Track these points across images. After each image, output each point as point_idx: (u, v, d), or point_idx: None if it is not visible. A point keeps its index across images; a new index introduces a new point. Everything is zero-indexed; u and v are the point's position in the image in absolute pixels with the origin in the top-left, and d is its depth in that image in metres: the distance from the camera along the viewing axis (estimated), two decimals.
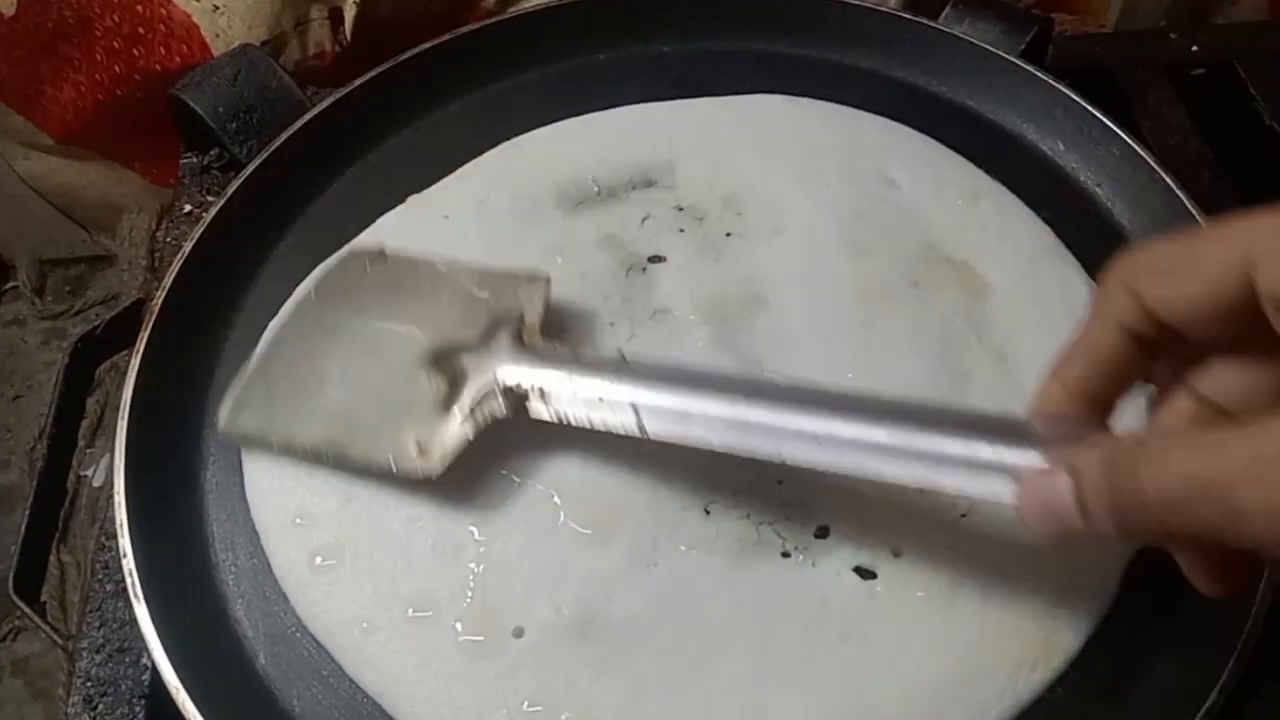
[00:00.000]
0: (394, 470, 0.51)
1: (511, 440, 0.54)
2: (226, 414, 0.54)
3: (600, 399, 0.49)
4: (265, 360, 0.56)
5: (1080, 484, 0.37)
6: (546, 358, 0.52)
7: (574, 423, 0.50)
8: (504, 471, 0.54)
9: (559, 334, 0.58)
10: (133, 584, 0.50)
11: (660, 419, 0.48)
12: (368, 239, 0.62)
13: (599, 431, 0.49)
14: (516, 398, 0.51)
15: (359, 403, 0.53)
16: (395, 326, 0.55)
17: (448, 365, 0.53)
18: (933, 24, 0.70)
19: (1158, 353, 0.40)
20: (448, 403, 0.52)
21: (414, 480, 0.52)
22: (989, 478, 0.41)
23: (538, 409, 0.51)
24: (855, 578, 0.51)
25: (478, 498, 0.53)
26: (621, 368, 0.51)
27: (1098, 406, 0.41)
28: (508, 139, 0.67)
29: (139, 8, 0.82)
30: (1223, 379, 0.39)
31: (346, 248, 0.61)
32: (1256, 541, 0.32)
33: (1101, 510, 0.36)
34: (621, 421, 0.49)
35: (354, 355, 0.55)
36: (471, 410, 0.51)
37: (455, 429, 0.51)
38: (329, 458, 0.53)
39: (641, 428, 0.48)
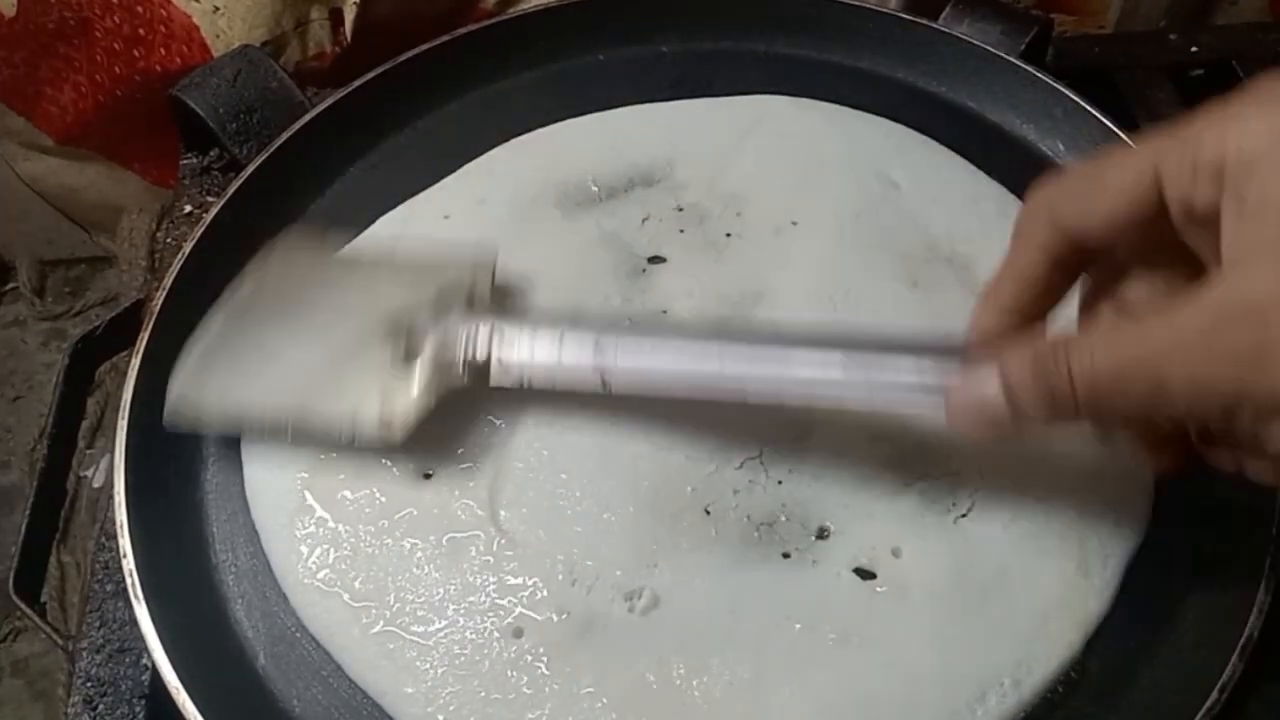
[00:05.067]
0: (354, 439, 0.52)
1: (510, 442, 0.54)
2: (174, 396, 0.53)
3: (559, 358, 0.51)
4: (212, 338, 0.55)
5: (1009, 379, 0.40)
6: (501, 321, 0.52)
7: (536, 384, 0.51)
8: (503, 473, 0.54)
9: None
10: (133, 584, 0.50)
11: (623, 364, 0.50)
12: (366, 240, 0.62)
13: (576, 406, 0.51)
14: (475, 366, 0.52)
15: (315, 375, 0.53)
16: (348, 300, 0.55)
17: (402, 336, 0.53)
18: (933, 24, 0.70)
19: (1078, 270, 0.44)
20: (405, 373, 0.52)
21: (410, 481, 0.52)
22: (928, 391, 0.45)
23: (498, 375, 0.52)
24: (855, 578, 0.51)
25: (476, 497, 0.53)
26: (577, 319, 0.52)
27: (1028, 322, 0.44)
28: (508, 139, 0.67)
29: (139, 9, 0.82)
30: (1138, 289, 0.43)
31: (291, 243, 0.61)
32: (1184, 410, 0.37)
33: (1031, 400, 0.40)
34: (582, 373, 0.50)
35: (306, 330, 0.55)
36: (430, 380, 0.52)
37: (414, 398, 0.52)
38: (287, 430, 0.53)
39: (604, 381, 0.50)
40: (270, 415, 0.53)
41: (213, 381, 0.54)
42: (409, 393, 0.52)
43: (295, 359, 0.54)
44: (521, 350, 0.51)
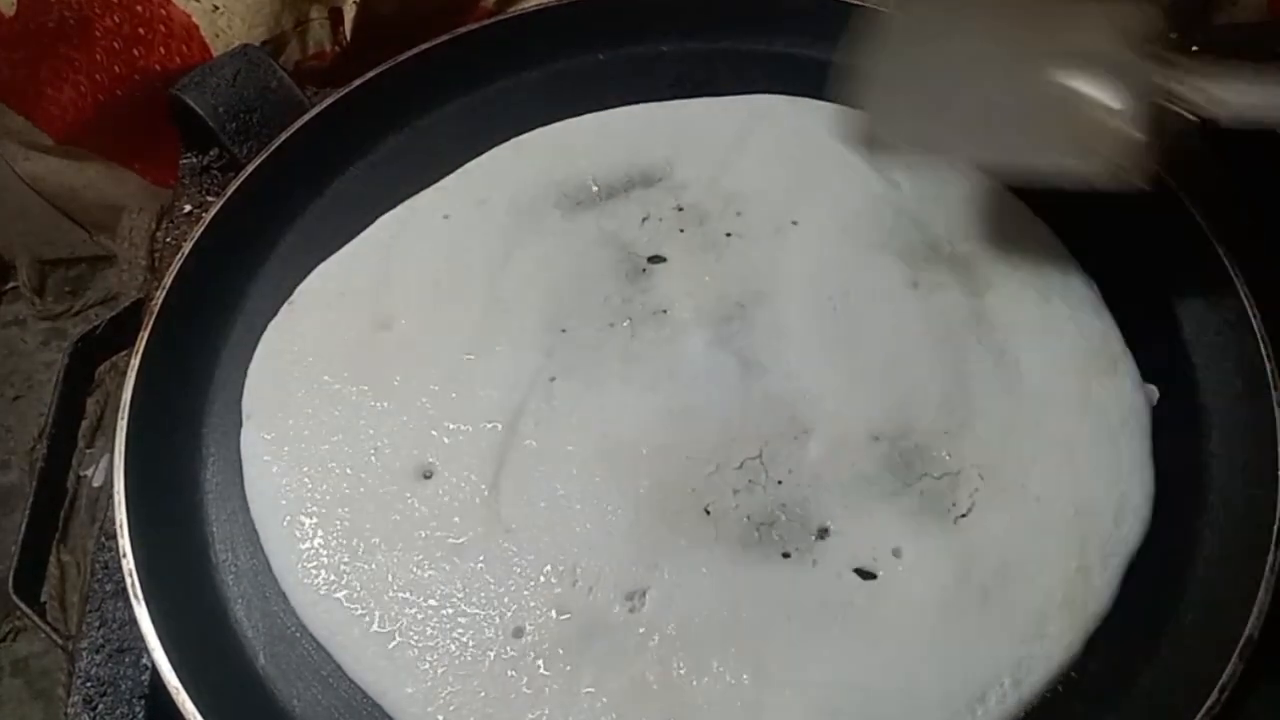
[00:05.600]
0: (1091, 182, 0.49)
1: (510, 442, 0.54)
2: (865, 126, 0.52)
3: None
4: (880, 76, 0.53)
5: None
6: (1211, 65, 0.50)
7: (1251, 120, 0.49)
8: (504, 473, 0.54)
9: (561, 333, 0.58)
10: (133, 584, 0.50)
11: None
12: (366, 239, 0.62)
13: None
14: (1186, 103, 0.49)
15: (1006, 110, 0.50)
16: (1019, 35, 0.52)
17: (1103, 75, 0.49)
18: None
19: None
20: (1119, 114, 0.49)
21: (410, 481, 0.52)
22: None
23: (1214, 111, 0.49)
24: (855, 578, 0.51)
25: (476, 498, 0.53)
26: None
27: None
28: (508, 139, 0.67)
29: (139, 8, 0.82)
30: None
31: None
32: None
33: None
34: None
35: (976, 66, 0.52)
36: (1155, 120, 0.48)
37: (1132, 135, 0.48)
38: (993, 169, 0.53)
39: None
40: (970, 155, 0.52)
41: (893, 115, 0.52)
42: (1134, 134, 0.48)
43: (976, 97, 0.51)
44: (1233, 89, 0.48)
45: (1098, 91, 0.49)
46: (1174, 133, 0.50)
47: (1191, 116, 0.49)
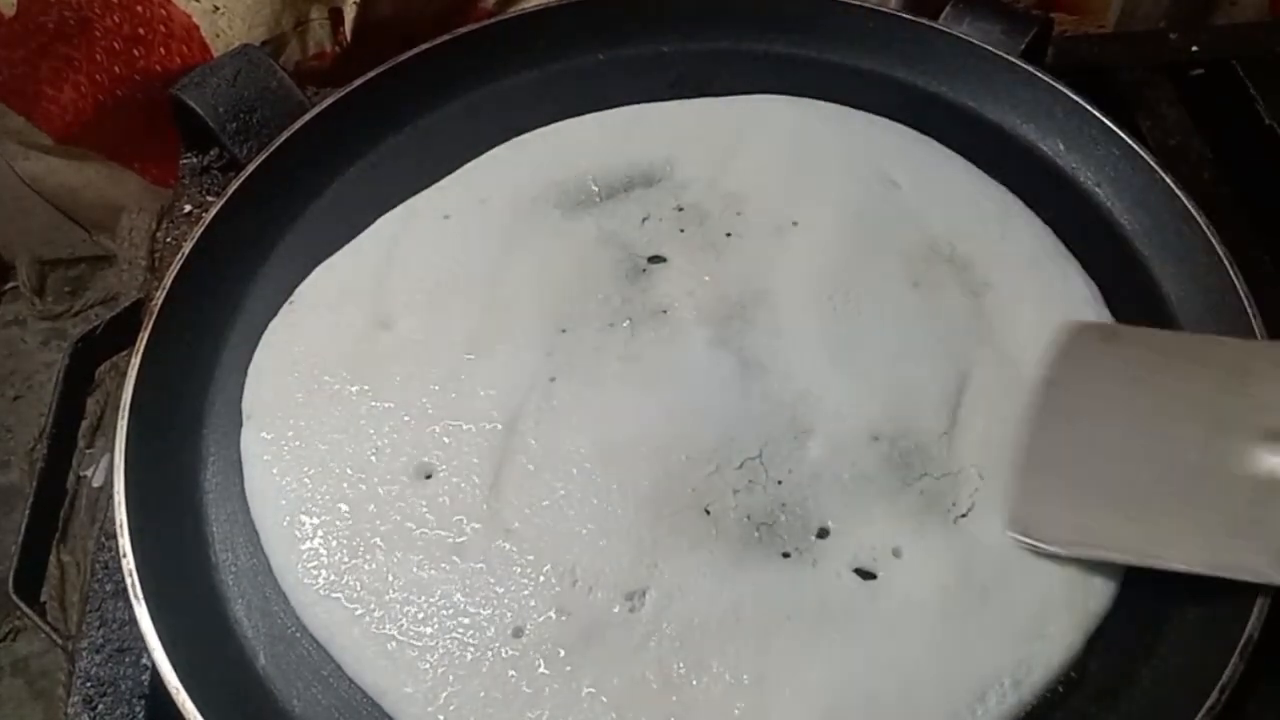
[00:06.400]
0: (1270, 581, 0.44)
1: (510, 442, 0.54)
2: (1020, 513, 0.49)
3: None
4: (1035, 453, 0.50)
5: None
6: None
7: None
8: (504, 473, 0.54)
9: (561, 333, 0.58)
10: (133, 584, 0.50)
11: None
12: (366, 239, 0.62)
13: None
14: None
15: (1192, 496, 0.45)
16: (1204, 403, 0.47)
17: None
18: (933, 24, 0.70)
19: None
20: None
21: (410, 482, 0.52)
22: None
23: None
24: (855, 578, 0.51)
25: (477, 498, 0.53)
26: None
27: None
28: (508, 139, 0.67)
29: (139, 8, 0.82)
30: None
31: (1071, 326, 0.54)
32: None
33: None
34: None
35: (1161, 440, 0.47)
36: None
37: None
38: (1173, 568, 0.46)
39: None
40: (1138, 551, 0.46)
41: (1053, 499, 0.48)
42: None
43: (1149, 471, 0.46)
44: None
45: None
46: None
47: None
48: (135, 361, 0.56)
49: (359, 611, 0.51)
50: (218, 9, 0.80)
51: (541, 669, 0.49)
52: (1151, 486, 0.47)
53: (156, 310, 0.58)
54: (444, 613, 0.50)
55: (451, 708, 0.48)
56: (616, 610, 0.50)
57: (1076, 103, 0.66)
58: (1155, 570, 0.47)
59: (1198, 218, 0.60)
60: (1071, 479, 0.49)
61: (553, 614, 0.50)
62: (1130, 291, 0.60)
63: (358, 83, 0.67)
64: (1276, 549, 0.44)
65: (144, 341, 0.57)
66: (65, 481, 0.65)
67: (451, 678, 0.49)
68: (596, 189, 0.64)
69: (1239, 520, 0.45)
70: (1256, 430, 0.46)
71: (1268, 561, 0.44)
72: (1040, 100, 0.67)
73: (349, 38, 0.84)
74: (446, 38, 0.69)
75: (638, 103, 0.68)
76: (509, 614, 0.50)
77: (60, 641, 0.56)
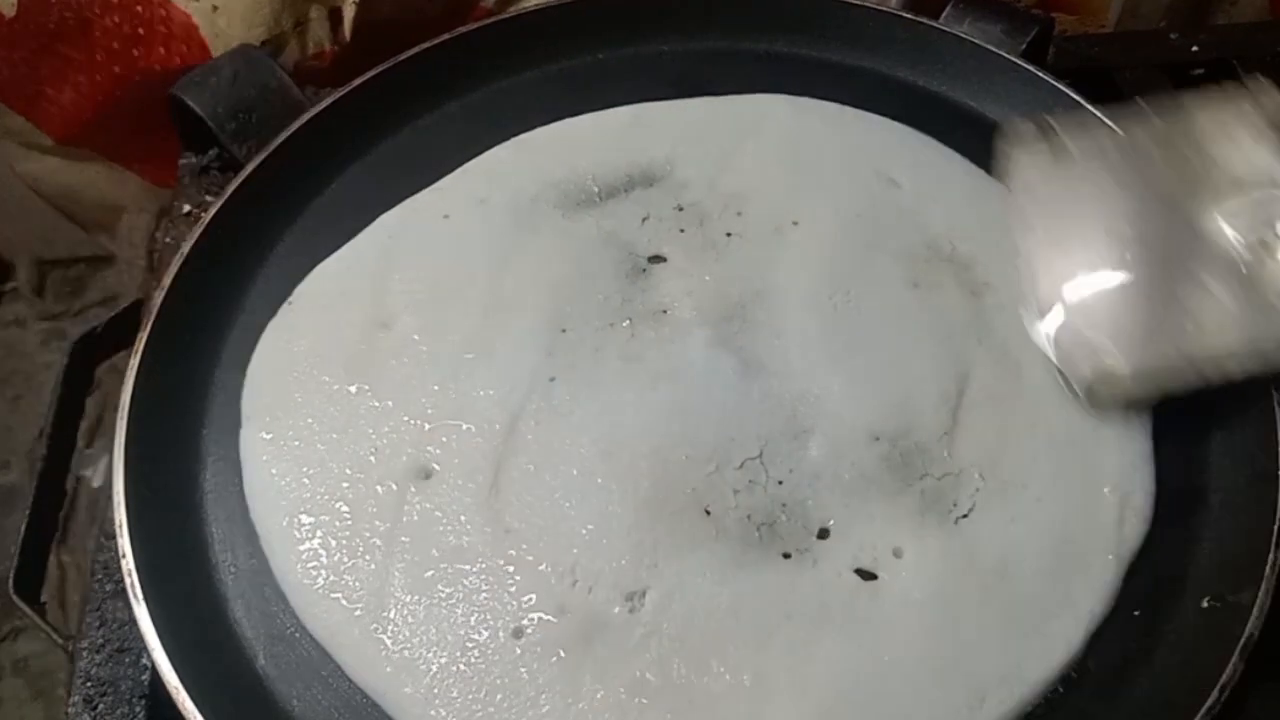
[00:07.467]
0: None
1: (510, 442, 0.54)
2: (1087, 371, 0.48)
3: None
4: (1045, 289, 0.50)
5: None
6: None
7: None
8: (504, 473, 0.54)
9: (561, 333, 0.58)
10: (133, 584, 0.50)
11: None
12: (366, 239, 0.62)
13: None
14: None
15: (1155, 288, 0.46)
16: (1163, 183, 0.48)
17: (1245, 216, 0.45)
18: (933, 24, 0.70)
19: None
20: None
21: (410, 482, 0.52)
22: None
23: None
24: (855, 578, 0.51)
25: (477, 498, 0.53)
26: None
27: None
28: (508, 139, 0.67)
29: (138, 8, 0.82)
30: None
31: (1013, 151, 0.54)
32: None
33: None
34: None
35: (1139, 235, 0.48)
36: None
37: None
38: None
39: None
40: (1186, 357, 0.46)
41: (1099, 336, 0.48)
42: None
43: (1149, 276, 0.47)
44: None
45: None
46: None
47: None
48: (135, 361, 0.56)
49: (359, 611, 0.51)
50: (217, 9, 0.80)
51: (541, 669, 0.49)
52: (1157, 292, 0.47)
53: (156, 310, 0.58)
54: (444, 613, 0.50)
55: (451, 708, 0.48)
56: (616, 610, 0.50)
57: (1077, 102, 0.65)
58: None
59: None
60: (1092, 309, 0.48)
61: (553, 614, 0.50)
62: None
63: (357, 83, 0.67)
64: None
65: (144, 341, 0.57)
66: (65, 481, 0.65)
67: (451, 678, 0.49)
68: (596, 189, 0.64)
69: (1247, 293, 0.45)
70: (1220, 189, 0.47)
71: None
72: (1041, 100, 0.67)
73: (349, 38, 0.84)
74: (446, 37, 0.69)
75: (638, 103, 0.68)
76: (509, 614, 0.50)
77: (60, 641, 0.56)
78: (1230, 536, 0.53)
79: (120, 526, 0.52)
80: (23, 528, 0.60)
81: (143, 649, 0.52)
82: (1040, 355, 0.57)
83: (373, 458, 0.54)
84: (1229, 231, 0.46)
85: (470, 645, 0.50)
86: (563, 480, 0.53)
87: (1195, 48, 0.77)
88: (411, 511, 0.53)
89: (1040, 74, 0.67)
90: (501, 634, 0.50)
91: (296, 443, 0.55)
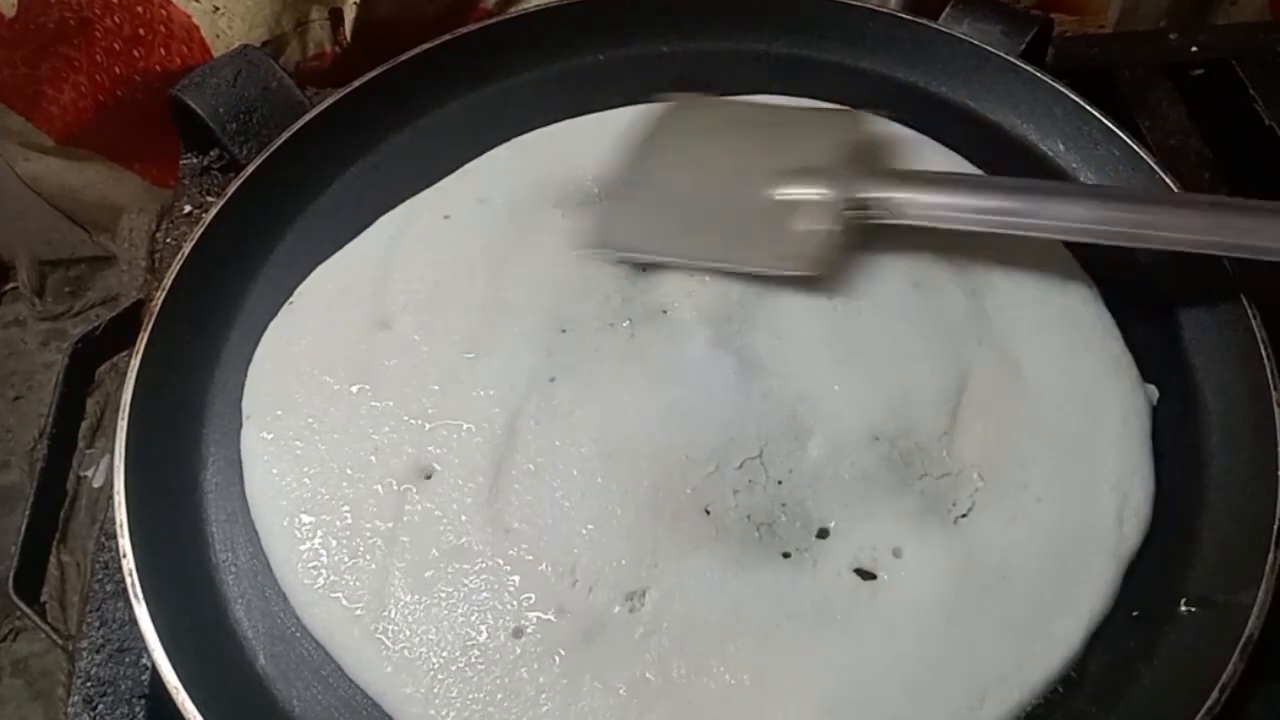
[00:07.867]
0: (775, 271, 0.58)
1: (510, 442, 0.54)
2: (598, 230, 0.60)
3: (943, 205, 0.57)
4: (620, 186, 0.62)
5: None
6: (898, 177, 0.60)
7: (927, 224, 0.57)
8: (504, 473, 0.54)
9: (561, 333, 0.58)
10: (133, 584, 0.50)
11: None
12: (366, 239, 0.62)
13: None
14: (861, 207, 0.58)
15: (724, 218, 0.60)
16: (741, 153, 0.62)
17: (801, 185, 0.59)
18: (933, 24, 0.70)
19: None
20: (807, 215, 0.58)
21: (410, 481, 0.52)
22: None
23: (882, 213, 0.58)
24: (855, 578, 0.51)
25: (476, 498, 0.53)
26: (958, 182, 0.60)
27: None
28: (508, 139, 0.67)
29: (139, 9, 0.82)
30: None
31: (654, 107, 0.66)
32: None
33: None
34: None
35: (708, 179, 0.61)
36: (834, 215, 0.58)
37: (821, 232, 0.58)
38: (704, 265, 0.59)
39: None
40: (686, 253, 0.59)
41: (625, 220, 0.60)
42: (816, 230, 0.58)
43: (700, 204, 0.60)
44: (916, 205, 0.57)
45: (802, 198, 0.59)
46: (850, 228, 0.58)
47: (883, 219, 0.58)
48: (135, 361, 0.57)
49: (359, 611, 0.51)
50: (218, 9, 0.80)
51: (541, 669, 0.49)
52: (702, 214, 0.61)
53: (156, 310, 0.58)
54: (444, 612, 0.50)
55: (451, 708, 0.48)
56: (616, 610, 0.50)
57: (1076, 103, 0.66)
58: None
59: None
60: (644, 205, 0.62)
61: (553, 614, 0.50)
62: (1130, 291, 0.60)
63: (358, 83, 0.67)
64: (776, 253, 0.58)
65: (144, 341, 0.57)
66: (65, 481, 0.65)
67: (451, 678, 0.49)
68: (596, 189, 0.64)
69: (756, 233, 0.59)
70: (775, 170, 0.60)
71: (768, 262, 0.58)
72: (1040, 100, 0.67)
73: (349, 38, 0.84)
74: (446, 38, 0.69)
75: (638, 103, 0.68)
76: (509, 614, 0.50)
77: (60, 641, 0.56)
78: (1230, 536, 0.53)
79: (120, 526, 0.52)
80: (23, 528, 0.60)
81: (143, 649, 0.52)
82: (1040, 355, 0.57)
83: (373, 458, 0.55)
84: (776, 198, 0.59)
85: (470, 645, 0.50)
86: (563, 480, 0.53)
87: (1195, 48, 0.77)
88: (412, 511, 0.53)
89: (1039, 74, 0.67)
90: (502, 634, 0.50)
91: (297, 442, 0.55)
